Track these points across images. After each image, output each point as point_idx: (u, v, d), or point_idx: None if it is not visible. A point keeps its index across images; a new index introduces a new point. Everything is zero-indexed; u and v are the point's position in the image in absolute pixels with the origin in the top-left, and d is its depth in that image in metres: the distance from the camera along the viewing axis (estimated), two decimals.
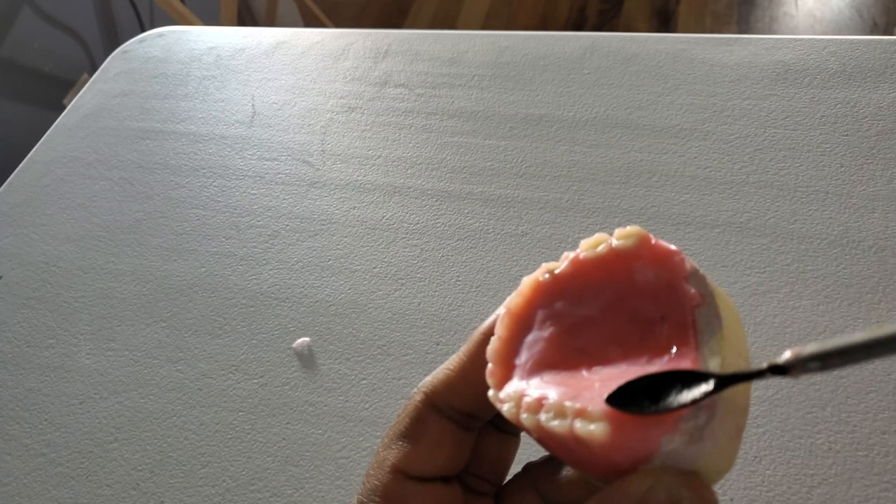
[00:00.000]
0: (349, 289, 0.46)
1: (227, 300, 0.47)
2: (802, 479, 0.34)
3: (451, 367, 0.21)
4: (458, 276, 0.45)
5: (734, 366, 0.17)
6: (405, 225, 0.49)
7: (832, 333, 0.38)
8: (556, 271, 0.20)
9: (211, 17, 1.73)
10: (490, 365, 0.19)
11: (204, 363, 0.44)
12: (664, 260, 0.18)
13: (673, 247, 0.18)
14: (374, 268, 0.47)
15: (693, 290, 0.17)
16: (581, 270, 0.19)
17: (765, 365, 0.15)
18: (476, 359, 0.21)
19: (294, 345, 0.43)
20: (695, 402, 0.15)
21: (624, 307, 0.19)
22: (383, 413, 0.40)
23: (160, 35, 0.70)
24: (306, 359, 0.43)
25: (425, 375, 0.41)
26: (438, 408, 0.21)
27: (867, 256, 0.41)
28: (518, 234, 0.46)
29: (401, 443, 0.21)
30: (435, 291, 0.45)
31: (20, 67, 1.38)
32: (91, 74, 0.68)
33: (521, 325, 0.20)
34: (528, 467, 0.23)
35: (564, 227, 0.46)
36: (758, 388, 0.37)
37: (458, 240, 0.47)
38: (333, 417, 0.40)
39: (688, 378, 0.16)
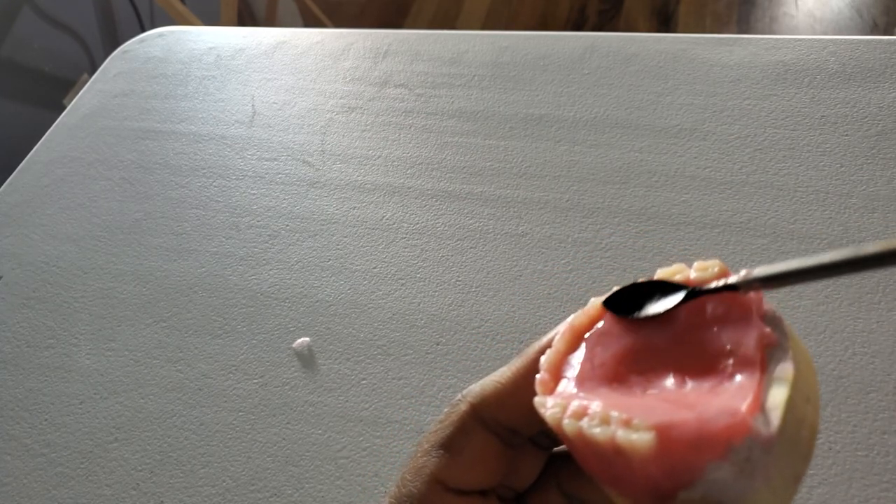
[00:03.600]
0: (349, 289, 0.46)
1: (227, 300, 0.47)
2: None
3: (502, 381, 0.21)
4: (458, 276, 0.45)
5: (801, 410, 0.16)
6: (405, 225, 0.49)
7: (832, 334, 0.38)
8: None
9: (211, 17, 1.73)
10: (542, 373, 0.19)
11: (204, 363, 0.44)
12: (741, 297, 0.18)
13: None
14: (374, 268, 0.47)
15: (767, 329, 0.17)
16: None
17: (722, 283, 0.18)
18: (529, 375, 0.20)
19: (294, 345, 0.43)
20: (667, 311, 0.16)
21: (693, 338, 0.18)
22: (383, 413, 0.40)
23: (160, 35, 0.70)
24: (306, 359, 0.43)
25: (425, 375, 0.41)
26: (484, 421, 0.21)
27: None
28: (518, 234, 0.46)
29: (442, 452, 0.21)
30: (435, 291, 0.45)
31: (20, 67, 1.38)
32: (91, 74, 0.68)
33: (580, 341, 0.20)
34: (552, 460, 0.22)
35: (564, 227, 0.46)
36: None
37: (458, 240, 0.47)
38: (333, 417, 0.40)
39: (666, 289, 0.16)
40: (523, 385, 0.20)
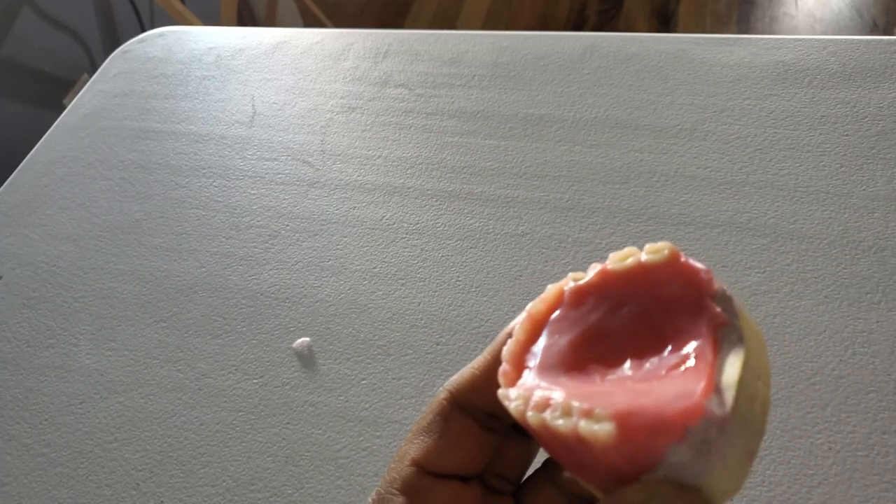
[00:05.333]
0: (349, 289, 0.46)
1: (227, 300, 0.47)
2: (802, 479, 0.34)
3: (476, 367, 0.22)
4: (458, 276, 0.45)
5: (752, 387, 0.17)
6: (405, 225, 0.49)
7: (832, 334, 0.38)
8: (581, 281, 0.20)
9: (211, 17, 1.73)
10: (504, 365, 0.20)
11: (204, 363, 0.44)
12: (692, 277, 0.18)
13: (701, 265, 0.18)
14: (374, 268, 0.47)
15: (718, 309, 0.17)
16: (607, 282, 0.19)
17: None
18: (499, 359, 0.21)
19: (294, 345, 0.43)
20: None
21: (647, 321, 0.19)
22: (383, 413, 0.40)
23: (160, 35, 0.70)
24: (306, 359, 0.43)
25: (425, 375, 0.41)
26: (463, 406, 0.22)
27: (867, 256, 0.41)
28: (518, 234, 0.46)
29: (423, 438, 0.21)
30: (435, 291, 0.45)
31: (20, 67, 1.38)
32: (91, 74, 0.68)
33: (540, 329, 0.20)
34: (549, 461, 0.23)
35: (564, 227, 0.46)
36: None
37: (458, 240, 0.47)
38: (333, 417, 0.40)
39: None
40: (495, 368, 0.21)
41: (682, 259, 0.18)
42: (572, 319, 0.20)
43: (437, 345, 0.42)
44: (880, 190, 0.44)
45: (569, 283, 0.20)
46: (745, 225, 0.44)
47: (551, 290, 0.20)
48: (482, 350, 0.22)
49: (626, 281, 0.19)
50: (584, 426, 0.16)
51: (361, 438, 0.39)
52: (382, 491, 0.21)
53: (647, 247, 0.19)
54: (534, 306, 0.20)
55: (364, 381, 0.41)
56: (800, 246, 0.42)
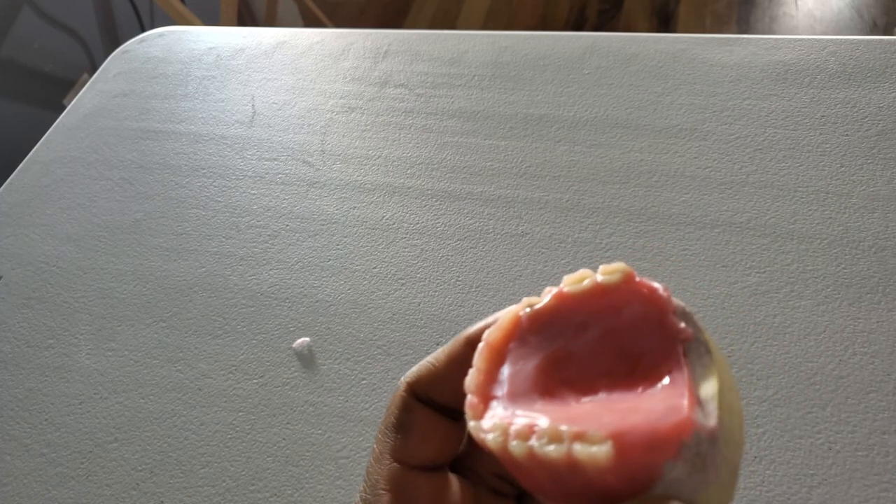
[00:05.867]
0: (349, 289, 0.46)
1: (227, 300, 0.47)
2: (802, 479, 0.34)
3: (435, 364, 0.22)
4: (458, 276, 0.45)
5: (728, 399, 0.17)
6: (405, 225, 0.49)
7: (832, 334, 0.38)
8: (538, 306, 0.20)
9: (211, 17, 1.73)
10: (470, 397, 0.19)
11: (204, 363, 0.44)
12: (650, 295, 0.18)
13: (658, 284, 0.18)
14: (374, 268, 0.47)
15: (682, 325, 0.17)
16: (564, 305, 0.19)
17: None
18: (456, 361, 0.21)
19: (294, 345, 0.43)
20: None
21: (611, 342, 0.18)
22: (383, 413, 0.40)
23: (160, 35, 0.70)
24: (306, 359, 0.43)
25: None
26: (421, 399, 0.22)
27: (867, 256, 0.41)
28: (518, 234, 0.46)
29: (394, 434, 0.21)
30: (435, 291, 0.45)
31: (20, 67, 1.38)
32: (91, 74, 0.68)
33: (501, 357, 0.19)
34: None
35: (564, 227, 0.46)
36: (758, 388, 0.37)
37: (458, 240, 0.47)
38: (333, 417, 0.40)
39: None
40: (453, 369, 0.21)
41: (637, 278, 0.18)
42: (534, 345, 0.19)
43: (437, 345, 0.42)
44: (880, 190, 0.44)
45: (524, 308, 0.20)
46: (745, 225, 0.44)
47: (506, 316, 0.20)
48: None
49: (584, 303, 0.19)
50: (581, 449, 0.15)
51: (361, 438, 0.39)
52: (368, 496, 0.21)
53: (602, 268, 0.19)
54: (490, 334, 0.20)
55: (364, 381, 0.41)
56: (800, 246, 0.42)
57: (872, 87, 0.49)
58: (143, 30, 1.59)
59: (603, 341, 0.19)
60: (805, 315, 0.39)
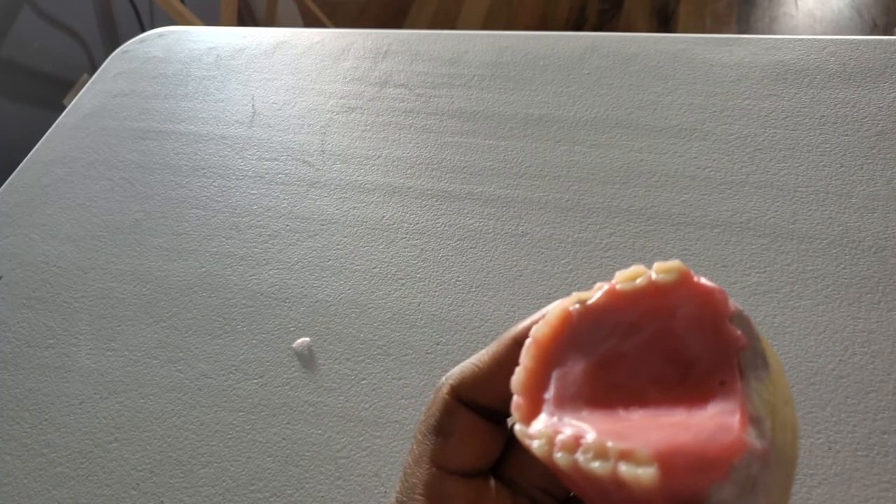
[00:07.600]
0: (349, 289, 0.46)
1: (227, 300, 0.47)
2: (802, 479, 0.34)
3: (480, 365, 0.21)
4: (458, 276, 0.45)
5: (783, 414, 0.16)
6: (405, 225, 0.49)
7: (832, 334, 0.38)
8: (589, 302, 0.19)
9: (211, 17, 1.73)
10: (516, 398, 0.18)
11: (204, 363, 0.44)
12: (706, 298, 0.17)
13: (715, 285, 0.17)
14: (374, 268, 0.47)
15: (738, 332, 0.17)
16: (616, 303, 0.18)
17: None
18: (503, 362, 0.20)
19: (294, 345, 0.43)
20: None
21: (663, 345, 0.18)
22: (383, 413, 0.40)
23: (160, 35, 0.70)
24: (306, 359, 0.43)
25: (425, 375, 0.41)
26: (465, 402, 0.21)
27: (867, 256, 0.41)
28: (518, 234, 0.46)
29: (435, 437, 0.21)
30: (435, 291, 0.45)
31: (20, 67, 1.38)
32: (91, 74, 0.68)
33: (549, 355, 0.19)
34: None
35: (564, 227, 0.46)
36: None
37: (458, 240, 0.47)
38: (333, 417, 0.40)
39: None
40: (499, 370, 0.20)
41: (695, 278, 0.18)
42: (583, 344, 0.19)
43: (437, 345, 0.42)
44: (880, 190, 0.44)
45: (574, 304, 0.19)
46: (745, 225, 0.44)
47: (555, 312, 0.19)
48: (482, 350, 0.21)
49: (637, 302, 0.18)
50: (626, 470, 0.15)
51: (361, 438, 0.39)
52: (405, 498, 0.20)
53: (657, 266, 0.18)
54: (538, 331, 0.19)
55: (364, 381, 0.41)
56: (800, 246, 0.42)
57: (872, 87, 0.49)
58: (143, 30, 1.59)
59: (654, 344, 0.18)
60: (805, 315, 0.39)
